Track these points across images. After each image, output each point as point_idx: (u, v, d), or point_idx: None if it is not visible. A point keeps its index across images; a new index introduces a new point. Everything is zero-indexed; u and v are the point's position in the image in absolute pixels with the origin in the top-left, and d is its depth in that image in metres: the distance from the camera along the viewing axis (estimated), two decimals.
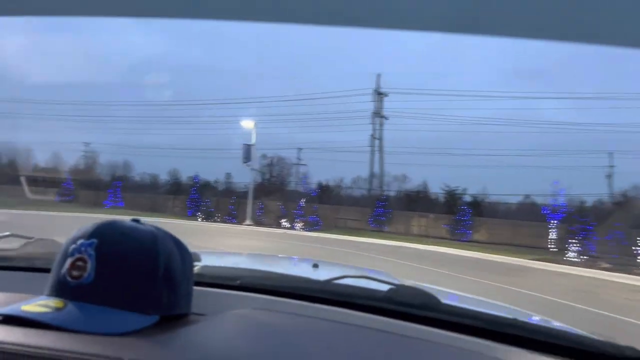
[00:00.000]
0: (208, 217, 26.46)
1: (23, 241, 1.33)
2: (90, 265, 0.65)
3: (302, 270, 1.64)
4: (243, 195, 27.39)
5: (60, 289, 0.66)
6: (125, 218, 0.74)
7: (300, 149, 33.48)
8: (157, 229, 0.73)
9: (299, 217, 24.76)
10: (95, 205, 27.33)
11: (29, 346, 0.56)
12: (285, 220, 24.97)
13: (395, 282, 1.14)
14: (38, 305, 0.64)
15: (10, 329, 0.61)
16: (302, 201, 25.50)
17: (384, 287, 1.03)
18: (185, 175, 32.47)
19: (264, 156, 32.99)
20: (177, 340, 0.65)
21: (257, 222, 25.17)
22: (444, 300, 1.00)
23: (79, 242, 0.67)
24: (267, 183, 33.88)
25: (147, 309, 0.67)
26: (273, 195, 28.66)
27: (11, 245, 1.37)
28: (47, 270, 1.07)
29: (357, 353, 0.70)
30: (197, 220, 25.62)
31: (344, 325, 0.81)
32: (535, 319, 1.24)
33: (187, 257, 0.75)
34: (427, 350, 0.77)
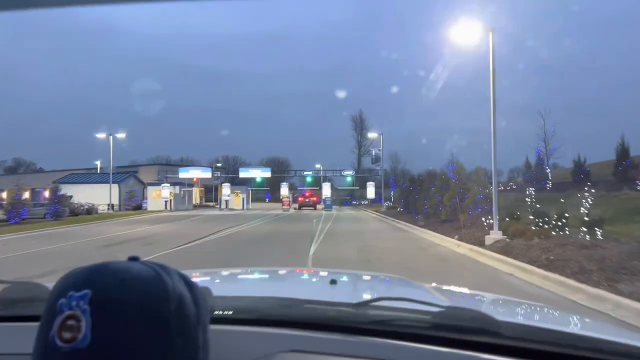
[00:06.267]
0: None
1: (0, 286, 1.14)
2: (84, 324, 0.54)
3: (322, 290, 1.50)
4: None
5: (49, 357, 0.54)
6: (121, 257, 0.62)
7: None
8: (162, 267, 0.62)
9: None
10: None
11: None
12: None
13: (437, 301, 1.00)
14: None
15: None
16: None
17: (430, 309, 0.90)
18: None
19: None
20: None
21: None
22: (501, 317, 0.86)
23: (69, 294, 0.55)
24: None
25: None
26: None
27: None
28: (33, 319, 0.95)
29: None
30: None
31: None
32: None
33: (199, 299, 0.63)
34: None
